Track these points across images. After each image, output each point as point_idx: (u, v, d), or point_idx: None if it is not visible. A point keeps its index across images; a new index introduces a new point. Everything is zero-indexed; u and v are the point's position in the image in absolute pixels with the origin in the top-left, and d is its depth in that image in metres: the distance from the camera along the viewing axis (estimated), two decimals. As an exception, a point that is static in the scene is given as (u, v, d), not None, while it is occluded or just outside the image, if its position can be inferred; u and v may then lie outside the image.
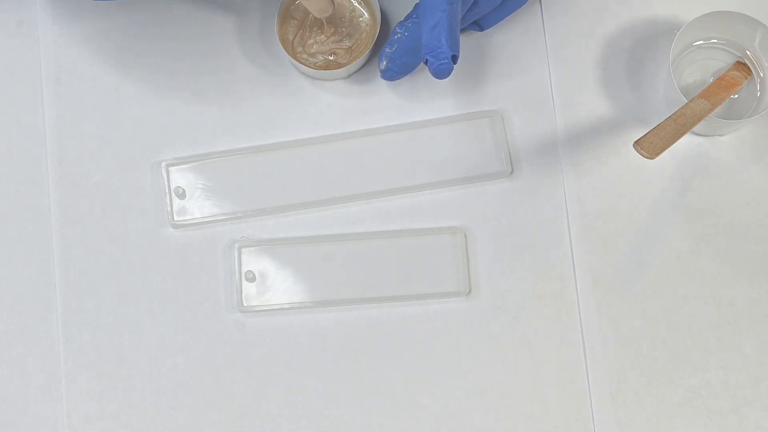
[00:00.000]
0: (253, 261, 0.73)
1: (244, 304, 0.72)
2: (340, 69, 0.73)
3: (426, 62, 0.66)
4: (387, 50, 0.72)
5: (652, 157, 0.66)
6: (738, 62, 0.74)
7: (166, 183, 0.74)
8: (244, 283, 0.72)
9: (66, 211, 0.74)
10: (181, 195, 0.73)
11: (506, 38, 0.76)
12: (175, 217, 0.73)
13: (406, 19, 0.72)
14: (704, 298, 0.73)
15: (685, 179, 0.74)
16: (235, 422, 0.71)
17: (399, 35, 0.71)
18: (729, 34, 0.74)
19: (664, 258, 0.73)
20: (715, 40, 0.75)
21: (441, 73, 0.66)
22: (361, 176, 0.74)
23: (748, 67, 0.74)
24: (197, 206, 0.73)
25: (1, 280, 0.73)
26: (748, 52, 0.74)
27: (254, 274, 0.72)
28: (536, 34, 0.76)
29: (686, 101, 0.70)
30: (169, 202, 0.73)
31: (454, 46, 0.66)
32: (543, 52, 0.76)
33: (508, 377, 0.72)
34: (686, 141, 0.73)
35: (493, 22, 0.74)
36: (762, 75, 0.74)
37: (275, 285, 0.72)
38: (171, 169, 0.74)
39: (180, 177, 0.74)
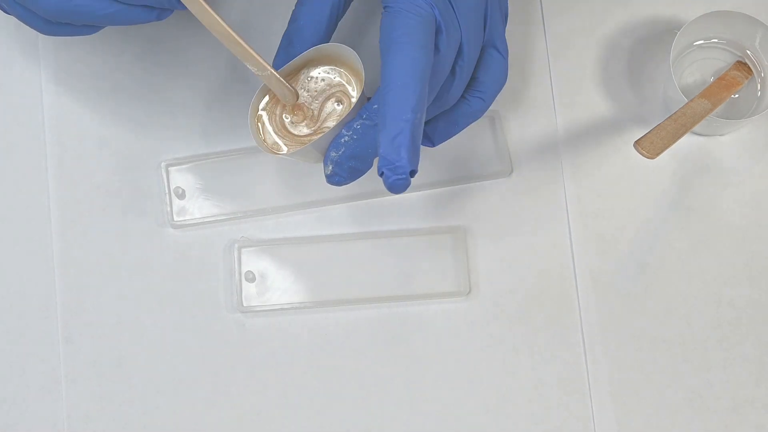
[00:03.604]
0: (253, 261, 0.73)
1: (244, 304, 0.72)
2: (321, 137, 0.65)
3: (381, 174, 0.60)
4: (332, 154, 0.64)
5: (652, 157, 0.66)
6: (738, 62, 0.74)
7: (166, 183, 0.74)
8: (244, 283, 0.72)
9: (66, 211, 0.74)
10: (181, 195, 0.73)
11: (506, 38, 0.76)
12: (175, 217, 0.73)
13: (357, 118, 0.64)
14: (704, 298, 0.72)
15: (685, 179, 0.74)
16: (235, 422, 0.71)
17: (346, 138, 0.64)
18: (729, 34, 0.74)
19: (664, 258, 0.73)
20: (716, 40, 0.75)
21: (397, 188, 0.60)
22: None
23: (749, 67, 0.74)
24: (197, 206, 0.73)
25: (1, 280, 0.73)
26: (748, 52, 0.74)
27: (254, 274, 0.72)
28: (536, 34, 0.76)
29: (686, 101, 0.70)
30: (169, 202, 0.73)
31: (415, 160, 0.60)
32: (543, 52, 0.76)
33: (508, 377, 0.72)
34: (686, 141, 0.73)
35: (446, 137, 0.68)
36: (762, 75, 0.74)
37: (275, 285, 0.72)
38: (171, 169, 0.74)
39: (180, 177, 0.74)
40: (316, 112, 0.67)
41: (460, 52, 0.64)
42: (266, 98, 0.69)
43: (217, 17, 0.62)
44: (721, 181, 0.74)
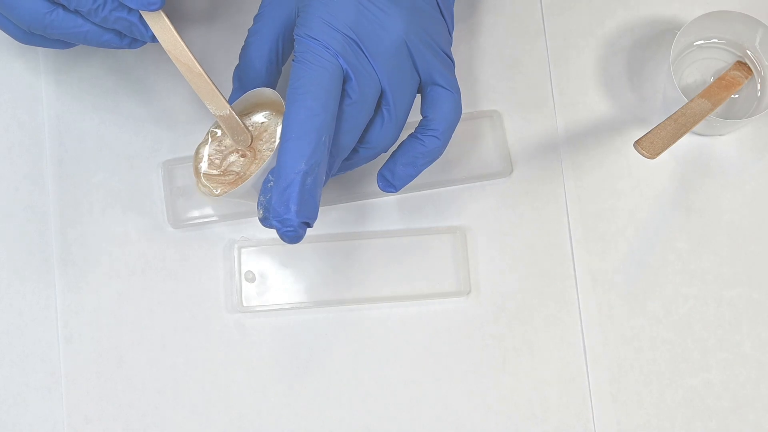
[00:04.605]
0: (253, 261, 0.73)
1: (244, 304, 0.72)
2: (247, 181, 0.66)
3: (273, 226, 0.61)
4: (261, 199, 0.64)
5: (652, 157, 0.67)
6: (738, 62, 0.74)
7: (166, 183, 0.74)
8: (244, 283, 0.72)
9: (66, 211, 0.74)
10: (182, 194, 0.73)
11: (506, 38, 0.76)
12: (176, 217, 0.73)
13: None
14: (704, 298, 0.73)
15: (685, 179, 0.74)
16: (235, 422, 0.71)
17: (271, 183, 0.63)
18: (729, 34, 0.74)
19: (664, 258, 0.73)
20: (716, 40, 0.75)
21: (288, 240, 0.61)
22: (361, 176, 0.74)
23: (749, 67, 0.74)
24: (197, 206, 0.73)
25: (1, 280, 0.73)
26: (748, 52, 0.74)
27: (254, 274, 0.72)
28: (536, 34, 0.76)
29: (686, 101, 0.70)
30: (168, 202, 0.73)
31: (306, 212, 0.60)
32: (543, 52, 0.76)
33: (508, 377, 0.72)
34: (686, 141, 0.73)
35: (407, 180, 0.67)
36: (762, 75, 0.74)
37: (275, 285, 0.72)
38: (171, 168, 0.74)
39: (180, 177, 0.74)
40: (218, 161, 0.68)
41: (383, 96, 0.64)
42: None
43: (189, 52, 0.64)
44: (721, 181, 0.74)
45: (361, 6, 0.63)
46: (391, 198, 0.74)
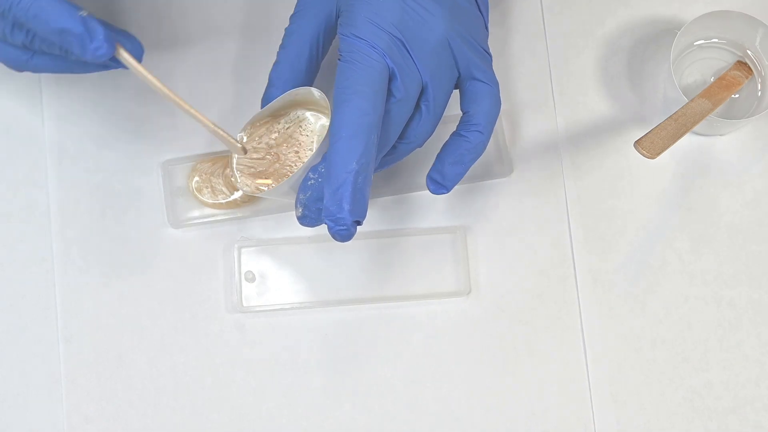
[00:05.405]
0: (253, 261, 0.73)
1: (244, 304, 0.72)
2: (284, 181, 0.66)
3: (325, 223, 0.62)
4: (301, 197, 0.64)
5: (652, 157, 0.67)
6: (739, 62, 0.74)
7: (166, 183, 0.74)
8: (244, 284, 0.72)
9: (66, 211, 0.74)
10: (181, 195, 0.73)
11: (506, 38, 0.76)
12: (175, 217, 0.73)
13: (322, 161, 0.65)
14: (704, 298, 0.73)
15: (685, 179, 0.74)
16: (235, 422, 0.71)
17: (312, 181, 0.64)
18: (730, 34, 0.74)
19: (664, 258, 0.73)
20: (716, 40, 0.75)
21: (340, 239, 0.62)
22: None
23: (749, 67, 0.74)
24: (197, 206, 0.73)
25: (1, 280, 0.73)
26: (748, 52, 0.74)
27: (254, 274, 0.73)
28: (536, 34, 0.76)
29: (687, 101, 0.70)
30: (168, 202, 0.73)
31: (358, 210, 0.61)
32: (543, 52, 0.76)
33: (508, 377, 0.72)
34: (687, 141, 0.73)
35: (457, 178, 0.67)
36: (763, 74, 0.74)
37: (275, 285, 0.72)
38: (171, 169, 0.74)
39: (180, 177, 0.74)
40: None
41: (424, 92, 0.65)
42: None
43: (158, 83, 0.63)
44: (721, 181, 0.74)
45: (406, 5, 0.63)
46: (391, 198, 0.74)
